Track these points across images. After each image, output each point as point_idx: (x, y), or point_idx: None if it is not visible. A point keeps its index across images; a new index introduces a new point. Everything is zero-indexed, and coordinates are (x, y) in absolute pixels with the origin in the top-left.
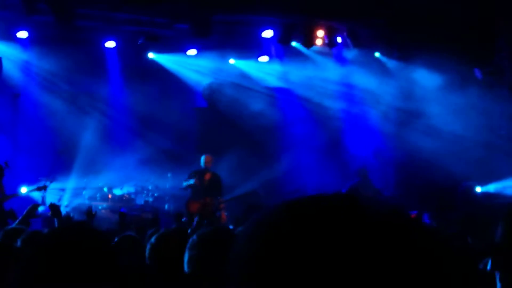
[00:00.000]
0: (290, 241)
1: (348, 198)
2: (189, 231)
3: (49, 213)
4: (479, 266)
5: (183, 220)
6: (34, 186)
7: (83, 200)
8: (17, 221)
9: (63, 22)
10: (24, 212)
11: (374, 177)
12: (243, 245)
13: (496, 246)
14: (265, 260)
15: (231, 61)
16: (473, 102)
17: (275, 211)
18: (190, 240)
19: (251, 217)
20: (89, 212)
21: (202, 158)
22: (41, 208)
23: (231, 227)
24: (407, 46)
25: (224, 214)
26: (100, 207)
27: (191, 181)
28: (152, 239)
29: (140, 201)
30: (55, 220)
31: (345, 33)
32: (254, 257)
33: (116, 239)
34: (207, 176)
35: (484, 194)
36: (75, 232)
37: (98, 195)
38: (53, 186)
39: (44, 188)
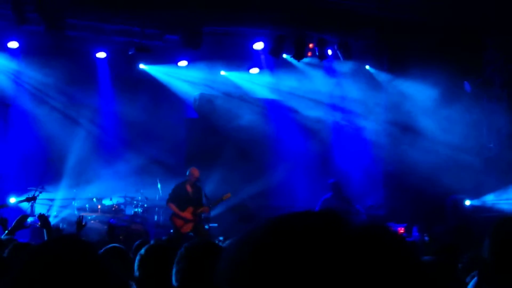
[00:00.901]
0: (275, 258)
1: (331, 217)
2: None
3: (38, 224)
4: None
5: (170, 232)
6: (23, 197)
7: (73, 211)
8: (6, 232)
9: (54, 32)
10: (13, 223)
11: (357, 189)
12: (230, 261)
13: (483, 261)
14: (250, 276)
15: (222, 72)
16: (463, 115)
17: (261, 229)
18: (178, 253)
19: (241, 229)
20: (79, 222)
21: (189, 171)
22: (30, 219)
23: (220, 238)
24: (397, 59)
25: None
26: (89, 218)
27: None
28: (142, 251)
29: (129, 211)
30: (44, 230)
31: (335, 46)
32: (240, 273)
33: (101, 250)
34: (192, 188)
35: (474, 207)
36: (63, 244)
37: (87, 205)
38: (42, 196)
39: (33, 199)
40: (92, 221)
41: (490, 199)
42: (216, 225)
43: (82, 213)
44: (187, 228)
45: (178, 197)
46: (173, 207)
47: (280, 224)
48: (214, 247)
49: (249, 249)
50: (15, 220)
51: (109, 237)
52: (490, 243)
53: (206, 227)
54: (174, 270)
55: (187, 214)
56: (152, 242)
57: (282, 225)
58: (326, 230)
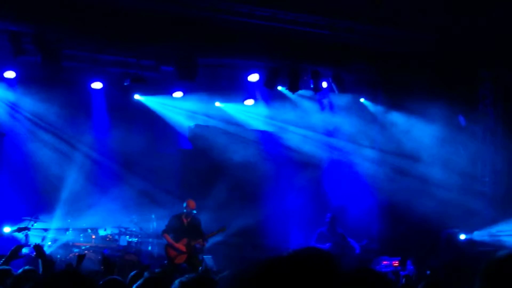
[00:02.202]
0: None
1: (321, 261)
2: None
3: (34, 254)
4: None
5: (164, 262)
6: (16, 227)
7: (67, 240)
8: (0, 262)
9: (50, 63)
10: (8, 253)
11: (351, 223)
12: None
13: None
14: None
15: (217, 103)
16: (457, 148)
17: (253, 270)
18: (172, 286)
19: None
20: (80, 257)
21: (185, 203)
22: (25, 249)
23: (214, 269)
24: (392, 92)
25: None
26: (83, 248)
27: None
28: (140, 281)
29: (123, 242)
30: (40, 261)
31: (330, 78)
32: None
33: (101, 282)
34: (187, 219)
35: (468, 242)
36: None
37: (81, 235)
38: (36, 226)
39: (25, 229)
40: (86, 251)
41: (484, 233)
42: (210, 256)
43: (76, 243)
44: (181, 259)
45: (173, 229)
46: (168, 238)
47: (272, 265)
48: (208, 281)
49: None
50: (10, 250)
51: (104, 268)
52: (480, 283)
53: (200, 258)
54: None
55: (181, 246)
56: (147, 274)
57: (274, 267)
58: (316, 274)
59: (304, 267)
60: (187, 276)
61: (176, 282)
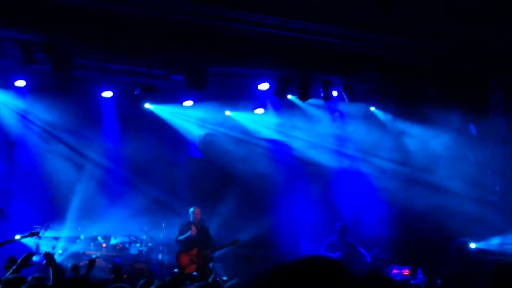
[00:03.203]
0: None
1: (332, 267)
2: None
3: (44, 262)
4: None
5: (174, 271)
6: (27, 233)
7: (77, 249)
8: (11, 270)
9: (60, 72)
10: (19, 261)
11: (361, 232)
12: None
13: None
14: None
15: (227, 112)
16: (468, 158)
17: (266, 276)
18: None
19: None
20: (91, 263)
21: (191, 210)
22: (35, 257)
23: (224, 278)
24: (402, 101)
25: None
26: (93, 256)
27: (187, 234)
28: None
29: (133, 250)
30: (50, 269)
31: (340, 87)
32: None
33: None
34: (196, 228)
35: (478, 250)
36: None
37: (92, 243)
38: (47, 235)
39: (36, 234)
40: (96, 259)
41: (495, 242)
42: (220, 265)
43: (87, 251)
44: (191, 268)
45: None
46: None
47: (284, 271)
48: None
49: None
50: (21, 258)
51: (114, 276)
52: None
53: (210, 266)
54: None
55: (192, 255)
56: (157, 281)
57: (286, 273)
58: (327, 280)
59: (314, 274)
60: (196, 284)
61: None
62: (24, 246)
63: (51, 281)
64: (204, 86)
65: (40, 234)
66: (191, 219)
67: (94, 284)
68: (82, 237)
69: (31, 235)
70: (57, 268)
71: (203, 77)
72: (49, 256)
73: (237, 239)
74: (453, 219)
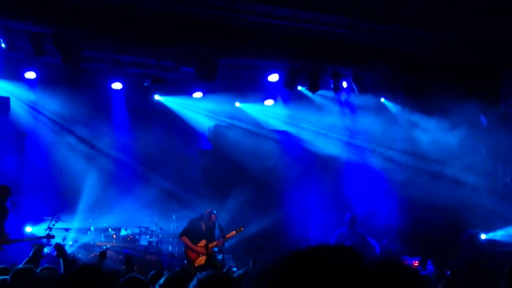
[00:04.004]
0: None
1: (347, 252)
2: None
3: (55, 254)
4: None
5: (184, 262)
6: (42, 235)
7: (88, 240)
8: (23, 262)
9: (70, 64)
10: (30, 254)
11: (371, 223)
12: None
13: None
14: None
15: (237, 104)
16: (478, 149)
17: (279, 261)
18: (190, 285)
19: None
20: (102, 254)
21: (207, 212)
22: (46, 249)
23: (234, 269)
24: (412, 92)
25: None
26: (104, 247)
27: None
28: (161, 281)
29: (144, 242)
30: (61, 260)
31: (350, 78)
32: None
33: (122, 280)
34: (205, 226)
35: (489, 242)
36: (88, 274)
37: (102, 235)
38: (58, 226)
39: (52, 237)
40: (107, 251)
41: (505, 233)
42: (230, 256)
43: (97, 243)
44: (201, 261)
45: (191, 231)
46: (186, 241)
47: (298, 257)
48: (226, 278)
49: (268, 281)
50: (32, 251)
51: (126, 268)
52: (506, 284)
53: (220, 257)
54: None
55: (200, 248)
56: (167, 273)
57: (300, 259)
58: (342, 264)
59: (328, 259)
60: (205, 273)
61: (194, 280)
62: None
63: (62, 272)
64: (213, 77)
65: (51, 226)
66: (204, 218)
67: (105, 272)
68: (92, 228)
69: (48, 237)
70: (68, 259)
71: (212, 69)
72: (59, 247)
73: (240, 227)
74: (464, 210)
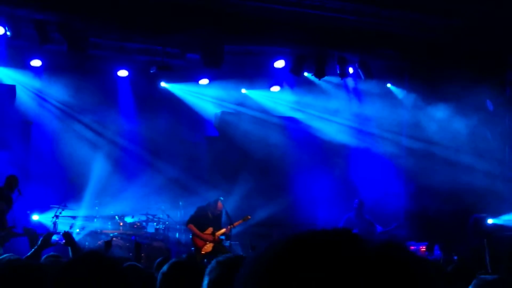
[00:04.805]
0: (292, 274)
1: (348, 236)
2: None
3: (63, 242)
4: None
5: (192, 249)
6: (49, 223)
7: (95, 228)
8: (32, 250)
9: (76, 51)
10: (39, 241)
11: (378, 209)
12: (248, 275)
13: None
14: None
15: (243, 90)
16: (485, 134)
17: (279, 244)
18: (209, 266)
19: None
20: (108, 243)
21: (214, 202)
22: (54, 237)
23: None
24: (419, 78)
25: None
26: (111, 235)
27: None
28: (164, 268)
29: (151, 229)
30: (69, 248)
31: (356, 64)
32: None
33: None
34: (212, 215)
35: (496, 226)
36: (91, 261)
37: (109, 222)
38: (64, 214)
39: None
40: (114, 238)
41: None
42: (237, 242)
43: (104, 230)
44: (208, 248)
45: (198, 219)
46: (193, 228)
47: (298, 241)
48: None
49: (267, 264)
50: (41, 239)
51: (134, 255)
52: (508, 265)
53: (227, 244)
54: (205, 282)
55: (207, 236)
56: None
57: (300, 242)
58: (343, 248)
59: (329, 242)
60: (224, 255)
61: (213, 261)
62: (41, 226)
63: None
64: (219, 64)
65: (57, 214)
66: (210, 206)
67: (110, 259)
68: (99, 216)
69: (66, 236)
70: (77, 247)
71: (219, 56)
72: (68, 235)
73: (248, 215)
74: (471, 195)
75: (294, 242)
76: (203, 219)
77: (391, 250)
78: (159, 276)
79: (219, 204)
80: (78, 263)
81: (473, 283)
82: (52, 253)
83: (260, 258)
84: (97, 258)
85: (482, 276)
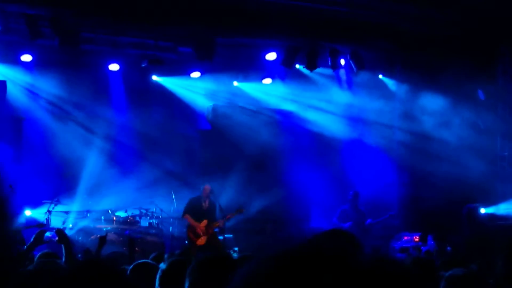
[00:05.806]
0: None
1: (341, 249)
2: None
3: (56, 239)
4: None
5: (185, 243)
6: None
7: (88, 223)
8: (25, 247)
9: (67, 46)
10: (32, 239)
11: (372, 199)
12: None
13: (497, 277)
14: None
15: (235, 83)
16: (476, 123)
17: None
18: (189, 267)
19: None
20: (102, 239)
21: (202, 187)
22: (47, 234)
23: (236, 248)
24: (410, 69)
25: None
26: (104, 230)
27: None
28: (163, 266)
29: (144, 223)
30: (62, 246)
31: (348, 56)
32: None
33: (130, 267)
34: (205, 203)
35: (489, 216)
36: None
37: (102, 217)
38: (57, 209)
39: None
40: (107, 233)
41: (505, 207)
42: (231, 236)
43: (97, 225)
44: (202, 241)
45: (192, 210)
46: (190, 219)
47: (287, 258)
48: (225, 259)
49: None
50: (34, 236)
51: (128, 250)
52: (503, 260)
53: (221, 238)
54: (186, 284)
55: (202, 227)
56: (167, 256)
57: (290, 260)
58: (335, 263)
59: (323, 255)
60: (203, 254)
61: (193, 261)
62: (34, 220)
63: (63, 258)
64: (211, 57)
65: (50, 209)
66: (202, 196)
67: (109, 268)
68: (92, 210)
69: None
70: (70, 245)
71: (211, 48)
72: (61, 233)
73: (241, 207)
74: (463, 185)
75: (283, 259)
76: (197, 210)
77: (381, 266)
78: (158, 274)
79: (206, 187)
80: (75, 275)
81: (444, 279)
82: (46, 250)
83: (251, 278)
84: (98, 269)
85: (451, 272)
